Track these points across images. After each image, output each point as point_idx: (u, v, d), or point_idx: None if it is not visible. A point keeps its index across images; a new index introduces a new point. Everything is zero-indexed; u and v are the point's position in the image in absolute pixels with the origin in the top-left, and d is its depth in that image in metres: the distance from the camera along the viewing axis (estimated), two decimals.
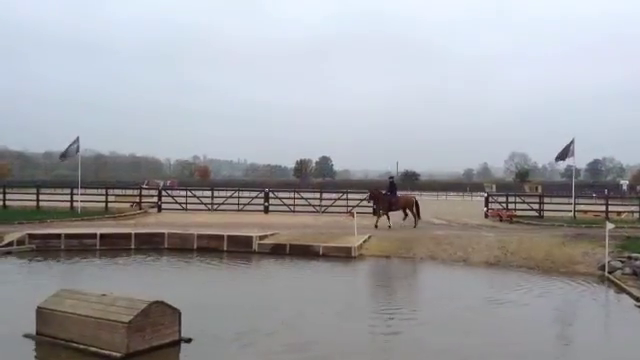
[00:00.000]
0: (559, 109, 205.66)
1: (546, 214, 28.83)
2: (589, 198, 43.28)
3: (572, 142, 28.38)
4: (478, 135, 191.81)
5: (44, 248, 19.26)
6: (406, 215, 24.82)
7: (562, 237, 19.54)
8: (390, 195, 24.97)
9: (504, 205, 30.86)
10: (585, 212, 30.08)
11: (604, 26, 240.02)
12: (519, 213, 28.83)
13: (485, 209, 30.35)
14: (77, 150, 29.76)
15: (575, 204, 29.43)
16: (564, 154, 28.72)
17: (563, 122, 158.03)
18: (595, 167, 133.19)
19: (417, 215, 24.85)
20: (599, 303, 13.45)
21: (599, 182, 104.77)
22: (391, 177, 28.29)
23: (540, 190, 65.84)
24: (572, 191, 29.60)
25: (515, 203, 31.13)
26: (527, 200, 32.22)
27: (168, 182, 77.60)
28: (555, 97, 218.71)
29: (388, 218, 24.34)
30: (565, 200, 32.16)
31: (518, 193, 40.31)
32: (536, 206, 29.79)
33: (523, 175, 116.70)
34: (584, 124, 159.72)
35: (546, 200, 31.73)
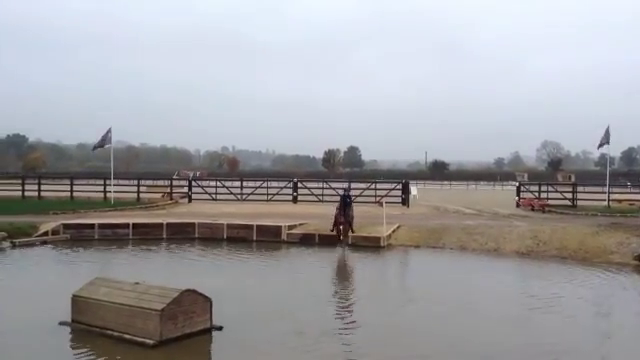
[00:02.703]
0: (592, 96, 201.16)
1: (580, 203, 28.29)
2: (624, 187, 42.35)
3: (607, 129, 27.78)
4: (509, 123, 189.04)
5: (78, 238, 19.66)
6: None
7: (596, 226, 19.11)
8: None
9: (536, 194, 30.36)
10: (620, 201, 29.46)
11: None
12: (552, 202, 28.34)
13: (517, 198, 29.91)
14: (109, 141, 30.23)
15: (609, 193, 28.82)
16: (604, 141, 28.16)
17: (596, 109, 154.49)
18: (630, 155, 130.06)
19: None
20: (635, 294, 13.15)
21: (634, 170, 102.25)
22: (346, 190, 21.81)
23: (573, 179, 64.65)
24: (606, 180, 28.96)
25: (547, 192, 30.63)
26: (560, 189, 31.66)
27: (198, 173, 78.29)
28: (588, 84, 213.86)
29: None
30: (599, 189, 31.48)
31: (551, 182, 39.63)
32: (569, 195, 29.25)
33: (556, 164, 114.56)
34: (618, 111, 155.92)
35: (579, 189, 31.14)
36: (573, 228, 19.16)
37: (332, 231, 18.99)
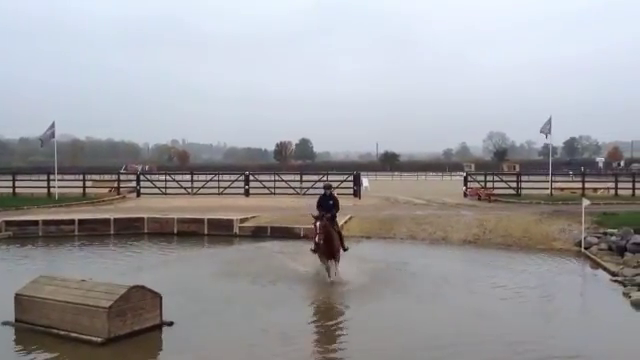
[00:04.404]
0: (534, 87, 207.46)
1: (524, 192, 29.20)
2: (566, 176, 43.87)
3: (549, 120, 28.73)
4: (457, 115, 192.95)
5: (21, 235, 19.03)
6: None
7: (539, 214, 19.83)
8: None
9: (482, 184, 31.18)
10: (562, 189, 30.53)
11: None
12: (497, 192, 29.16)
13: (464, 188, 30.63)
14: (52, 135, 29.28)
15: (552, 182, 29.83)
16: (545, 130, 29.05)
17: (538, 100, 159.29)
18: (571, 145, 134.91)
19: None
20: (575, 278, 13.72)
21: (576, 160, 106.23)
22: (328, 186, 13.90)
23: (518, 168, 66.68)
24: (549, 169, 29.97)
25: (493, 182, 31.46)
26: (505, 179, 32.60)
27: (147, 167, 76.87)
28: (532, 76, 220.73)
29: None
30: (542, 178, 32.56)
31: (496, 172, 40.76)
32: (514, 184, 30.13)
33: (501, 154, 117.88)
34: (559, 102, 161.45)
35: (524, 178, 32.10)
36: (517, 216, 19.82)
37: (314, 250, 12.26)
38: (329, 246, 12.11)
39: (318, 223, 11.96)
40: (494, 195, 28.32)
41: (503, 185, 30.48)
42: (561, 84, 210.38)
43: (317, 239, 11.80)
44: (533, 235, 17.60)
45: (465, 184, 30.99)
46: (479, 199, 28.03)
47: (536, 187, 30.02)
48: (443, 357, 7.94)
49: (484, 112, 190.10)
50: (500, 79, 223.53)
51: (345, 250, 12.97)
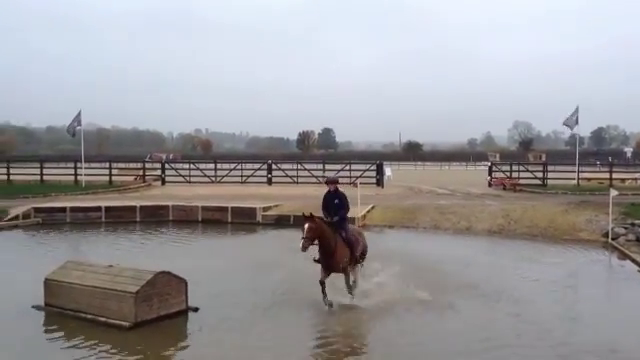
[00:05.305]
0: (561, 77, 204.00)
1: (550, 182, 28.78)
2: (593, 166, 43.09)
3: (576, 110, 28.23)
4: (481, 105, 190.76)
5: (50, 221, 19.40)
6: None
7: (565, 205, 19.54)
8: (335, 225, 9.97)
9: (508, 174, 30.82)
10: (589, 179, 30.02)
11: None
12: (523, 182, 28.80)
13: (488, 178, 30.31)
14: (79, 124, 29.70)
15: (579, 172, 29.37)
16: (571, 122, 28.55)
17: (566, 89, 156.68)
18: (599, 135, 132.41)
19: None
20: (602, 269, 13.53)
21: (603, 150, 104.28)
22: (332, 181, 10.71)
23: (544, 158, 65.65)
24: (576, 159, 29.50)
25: (519, 172, 31.08)
26: (531, 169, 32.16)
27: (171, 155, 77.47)
28: (557, 64, 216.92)
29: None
30: (569, 168, 32.07)
31: (522, 162, 40.21)
32: (540, 174, 29.73)
33: (527, 144, 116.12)
34: (588, 92, 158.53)
35: (550, 168, 31.69)
36: (543, 206, 19.56)
37: (317, 260, 9.69)
38: (325, 257, 9.43)
39: (306, 225, 9.13)
40: (519, 185, 27.97)
41: (529, 175, 30.08)
42: (590, 74, 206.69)
43: (301, 246, 9.02)
44: (559, 226, 17.37)
45: (490, 174, 30.66)
46: (504, 189, 27.71)
47: (562, 177, 29.62)
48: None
49: (509, 101, 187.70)
50: (526, 68, 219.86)
51: (359, 263, 10.31)
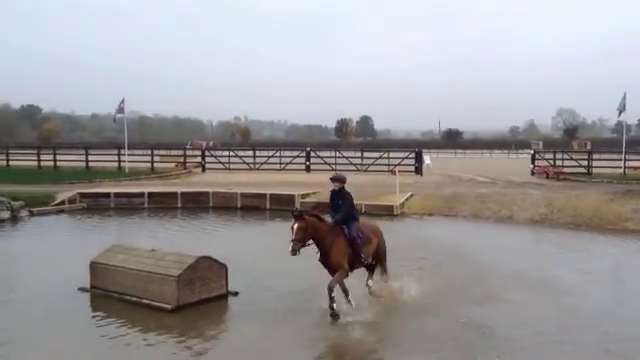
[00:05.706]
0: (607, 62, 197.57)
1: (595, 171, 28.04)
2: None
3: (624, 97, 27.38)
4: (523, 92, 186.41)
5: (94, 206, 19.94)
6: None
7: (611, 194, 18.98)
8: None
9: (551, 162, 30.12)
10: (636, 168, 29.11)
11: None
12: (567, 170, 28.13)
13: (531, 166, 29.70)
14: (122, 111, 30.37)
15: (625, 160, 28.50)
16: (621, 106, 27.78)
17: (612, 74, 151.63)
18: None
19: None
20: None
21: None
22: (337, 178, 9.26)
23: (589, 146, 63.90)
24: (622, 147, 28.63)
25: (563, 160, 30.35)
26: (575, 157, 31.35)
27: (211, 143, 78.36)
28: (604, 49, 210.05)
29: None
30: (615, 156, 31.12)
31: (566, 150, 39.21)
32: (584, 163, 28.99)
33: (571, 131, 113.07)
34: (635, 77, 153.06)
35: (595, 156, 30.82)
36: (588, 195, 19.05)
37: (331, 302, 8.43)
38: (321, 256, 8.72)
39: (295, 225, 8.32)
40: (563, 173, 27.32)
41: (573, 163, 29.36)
42: (636, 58, 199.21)
43: (290, 249, 8.21)
44: (604, 215, 16.89)
45: (533, 162, 30.03)
46: (547, 177, 27.10)
47: (608, 166, 28.78)
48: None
49: (553, 88, 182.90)
50: (570, 52, 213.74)
51: (364, 264, 9.36)
